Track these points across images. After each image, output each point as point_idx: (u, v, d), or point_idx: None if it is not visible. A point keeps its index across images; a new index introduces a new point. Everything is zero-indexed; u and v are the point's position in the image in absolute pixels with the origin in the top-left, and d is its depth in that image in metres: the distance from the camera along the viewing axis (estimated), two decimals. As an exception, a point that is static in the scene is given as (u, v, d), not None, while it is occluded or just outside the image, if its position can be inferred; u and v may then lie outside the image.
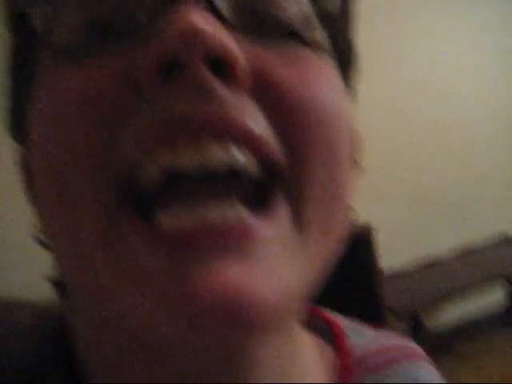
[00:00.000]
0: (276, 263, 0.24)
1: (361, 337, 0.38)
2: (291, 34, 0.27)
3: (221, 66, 0.23)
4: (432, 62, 2.87)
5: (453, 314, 3.04)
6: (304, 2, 0.28)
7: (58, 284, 0.36)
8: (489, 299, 3.14)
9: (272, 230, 0.24)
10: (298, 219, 0.25)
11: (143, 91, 0.23)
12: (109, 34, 0.25)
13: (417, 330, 2.75)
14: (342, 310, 0.41)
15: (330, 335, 0.38)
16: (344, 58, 0.32)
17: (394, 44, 2.78)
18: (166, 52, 0.22)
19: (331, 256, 0.29)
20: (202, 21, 0.22)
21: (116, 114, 0.23)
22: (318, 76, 0.27)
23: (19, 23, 0.30)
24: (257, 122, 0.24)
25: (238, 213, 0.23)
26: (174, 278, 0.22)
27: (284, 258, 0.24)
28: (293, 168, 0.25)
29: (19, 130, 0.33)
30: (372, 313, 0.94)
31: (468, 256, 3.07)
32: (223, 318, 0.21)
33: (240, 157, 0.24)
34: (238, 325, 0.22)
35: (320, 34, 0.28)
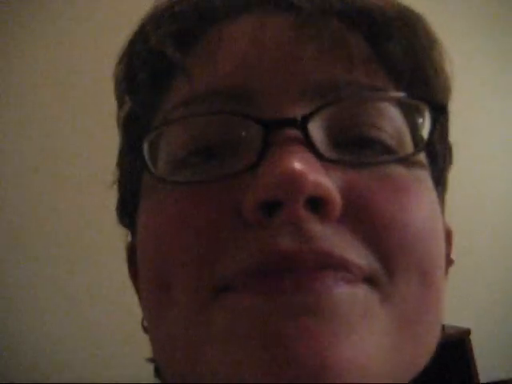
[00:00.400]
0: (356, 325, 0.25)
1: None
2: (385, 154, 0.29)
3: (316, 202, 0.25)
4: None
5: None
6: (398, 118, 0.29)
7: (156, 366, 0.38)
8: None
9: (353, 290, 0.25)
10: (385, 293, 0.26)
11: (246, 223, 0.26)
12: (210, 160, 0.29)
13: None
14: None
15: None
16: (440, 164, 0.33)
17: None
18: (268, 194, 0.25)
19: (423, 350, 0.28)
20: (300, 164, 0.25)
21: (221, 238, 0.27)
22: (410, 196, 0.28)
23: (129, 145, 0.35)
24: (351, 250, 0.26)
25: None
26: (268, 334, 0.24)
27: (365, 322, 0.25)
28: (387, 279, 0.26)
29: (127, 219, 0.37)
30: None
31: None
32: (312, 378, 0.23)
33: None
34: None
35: (412, 149, 0.30)
